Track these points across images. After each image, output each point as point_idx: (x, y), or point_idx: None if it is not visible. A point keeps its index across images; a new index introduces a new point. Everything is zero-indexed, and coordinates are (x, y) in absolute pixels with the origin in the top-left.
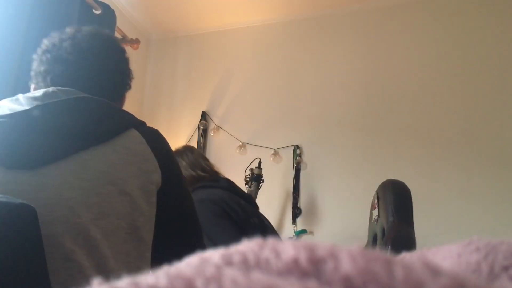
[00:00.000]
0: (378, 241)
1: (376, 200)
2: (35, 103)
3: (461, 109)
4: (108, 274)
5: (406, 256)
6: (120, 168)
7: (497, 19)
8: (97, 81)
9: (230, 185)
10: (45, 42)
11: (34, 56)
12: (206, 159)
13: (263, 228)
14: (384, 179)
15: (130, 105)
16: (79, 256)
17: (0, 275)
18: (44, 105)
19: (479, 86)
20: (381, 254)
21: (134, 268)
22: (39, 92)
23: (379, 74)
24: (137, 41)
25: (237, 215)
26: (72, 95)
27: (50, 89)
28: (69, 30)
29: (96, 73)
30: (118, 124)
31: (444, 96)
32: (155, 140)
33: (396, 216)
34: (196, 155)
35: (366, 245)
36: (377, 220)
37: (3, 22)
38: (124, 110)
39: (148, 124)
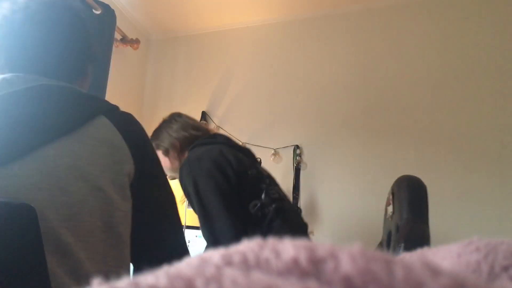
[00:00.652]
0: (392, 238)
1: (391, 196)
2: None
3: (462, 109)
4: (83, 278)
5: (406, 256)
6: (89, 161)
7: (497, 19)
8: (56, 56)
9: (228, 140)
10: None
11: None
12: (197, 120)
13: (260, 179)
14: (384, 179)
15: (130, 105)
16: (50, 264)
17: (0, 275)
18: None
19: (480, 85)
20: (381, 254)
21: (113, 267)
22: None
23: (380, 74)
24: (137, 41)
25: (232, 168)
26: (31, 83)
27: (8, 76)
28: None
29: (54, 47)
30: (84, 112)
31: (444, 96)
32: (127, 125)
33: (410, 213)
34: (185, 117)
35: (381, 243)
36: (391, 217)
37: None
38: (91, 95)
39: (148, 124)
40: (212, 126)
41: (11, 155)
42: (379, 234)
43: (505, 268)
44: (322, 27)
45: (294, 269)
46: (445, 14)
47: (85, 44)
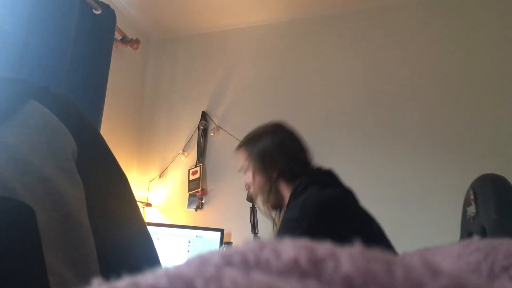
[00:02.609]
0: None
1: (472, 196)
2: None
3: (462, 109)
4: (54, 277)
5: (406, 256)
6: (28, 152)
7: (496, 19)
8: None
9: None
10: None
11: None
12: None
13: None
14: (384, 179)
15: (130, 105)
16: None
17: None
18: None
19: (480, 85)
20: (381, 254)
21: (79, 258)
22: None
23: (380, 74)
24: (137, 41)
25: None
26: None
27: None
28: None
29: None
30: (12, 98)
31: (444, 96)
32: (61, 105)
33: (499, 213)
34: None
35: None
36: (473, 218)
37: (3, 22)
38: (17, 79)
39: (148, 125)
40: (212, 126)
41: None
42: None
43: (505, 268)
44: (322, 27)
45: (294, 269)
46: (445, 14)
47: None
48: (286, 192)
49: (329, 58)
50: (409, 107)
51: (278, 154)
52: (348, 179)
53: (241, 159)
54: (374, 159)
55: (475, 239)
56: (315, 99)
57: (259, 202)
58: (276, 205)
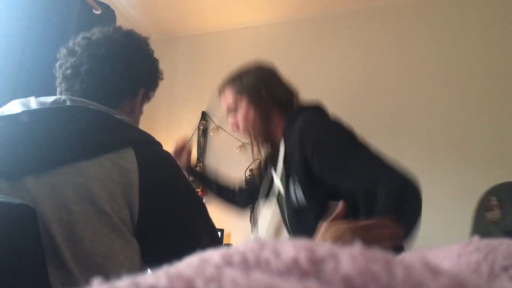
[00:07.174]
0: None
1: (495, 202)
2: (41, 107)
3: (462, 109)
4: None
5: (406, 256)
6: (101, 185)
7: (499, 19)
8: (107, 83)
9: None
10: (64, 50)
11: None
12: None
13: None
14: None
15: None
16: (53, 279)
17: None
18: (34, 111)
19: (479, 86)
20: (381, 254)
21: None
22: (50, 98)
23: (379, 74)
24: None
25: None
26: (74, 103)
27: (63, 96)
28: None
29: (109, 78)
30: (114, 140)
31: (444, 96)
32: (153, 165)
33: None
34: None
35: None
36: (496, 222)
37: (4, 22)
38: (133, 127)
39: (148, 125)
40: (212, 126)
41: (26, 169)
42: None
43: (505, 268)
44: (322, 27)
45: (294, 269)
46: (444, 15)
47: (140, 72)
48: (278, 122)
49: (328, 58)
50: (409, 107)
51: (269, 84)
52: None
53: (227, 100)
54: None
55: (475, 239)
56: (315, 99)
57: (252, 139)
58: (269, 138)
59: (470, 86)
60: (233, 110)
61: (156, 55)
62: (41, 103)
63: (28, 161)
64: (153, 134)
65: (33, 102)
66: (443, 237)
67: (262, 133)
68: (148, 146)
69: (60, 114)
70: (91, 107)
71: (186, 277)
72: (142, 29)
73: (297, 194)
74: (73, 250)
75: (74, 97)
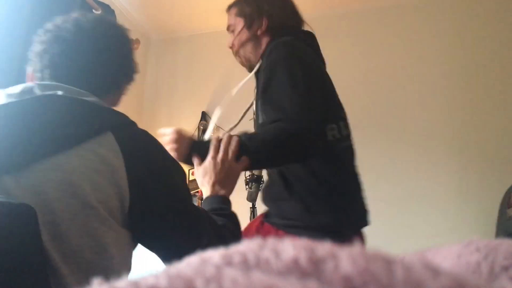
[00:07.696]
0: None
1: None
2: (9, 100)
3: (461, 110)
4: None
5: (406, 256)
6: (84, 177)
7: (495, 20)
8: (95, 66)
9: None
10: (48, 24)
11: (35, 38)
12: None
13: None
14: (383, 179)
15: (130, 105)
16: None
17: None
18: (5, 105)
19: (478, 86)
20: (381, 254)
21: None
22: (17, 88)
23: (379, 75)
24: (137, 41)
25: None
26: (48, 90)
27: (30, 84)
28: (73, 15)
29: (96, 57)
30: (91, 127)
31: (443, 97)
32: (136, 147)
33: None
34: None
35: None
36: None
37: (4, 22)
38: (107, 110)
39: (148, 124)
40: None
41: (3, 169)
42: (376, 236)
43: (505, 268)
44: (322, 27)
45: (294, 269)
46: (444, 15)
47: (126, 63)
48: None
49: (328, 58)
50: (410, 107)
51: (268, 11)
52: None
53: (229, 20)
54: (374, 159)
55: (475, 239)
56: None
57: (243, 62)
58: (256, 63)
59: (472, 85)
60: (231, 30)
61: (156, 55)
62: (9, 95)
63: (3, 161)
64: (153, 134)
65: (1, 96)
66: (443, 237)
67: (249, 59)
68: (127, 128)
69: (29, 106)
70: (60, 92)
71: (186, 277)
72: (142, 29)
73: (260, 119)
74: (59, 249)
75: (44, 82)
